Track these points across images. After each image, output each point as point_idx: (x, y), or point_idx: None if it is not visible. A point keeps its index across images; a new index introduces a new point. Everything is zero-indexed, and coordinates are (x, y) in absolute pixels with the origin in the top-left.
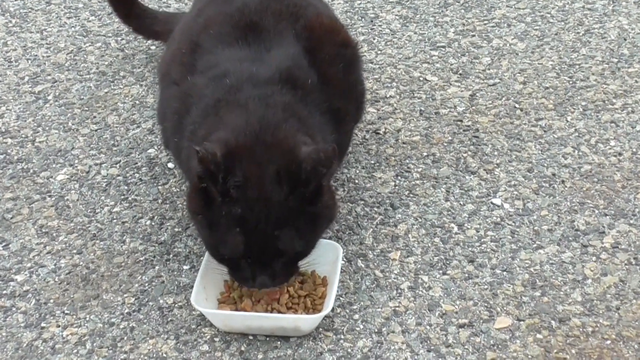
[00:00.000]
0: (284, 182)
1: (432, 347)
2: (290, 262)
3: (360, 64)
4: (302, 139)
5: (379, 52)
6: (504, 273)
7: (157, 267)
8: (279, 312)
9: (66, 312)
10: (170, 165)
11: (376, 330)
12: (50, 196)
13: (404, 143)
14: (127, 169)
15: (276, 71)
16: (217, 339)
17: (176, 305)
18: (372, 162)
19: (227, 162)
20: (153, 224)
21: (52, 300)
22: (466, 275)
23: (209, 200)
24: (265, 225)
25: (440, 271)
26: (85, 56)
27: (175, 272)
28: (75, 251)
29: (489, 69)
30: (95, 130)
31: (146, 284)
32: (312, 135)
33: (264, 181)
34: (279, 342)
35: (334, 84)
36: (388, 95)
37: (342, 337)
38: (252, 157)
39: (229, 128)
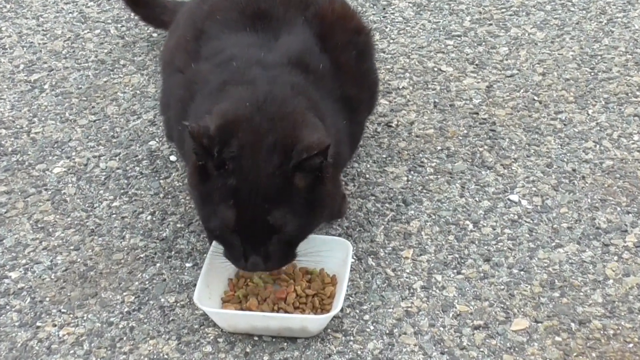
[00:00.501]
0: (279, 154)
1: (446, 350)
2: (284, 245)
3: (374, 51)
4: (311, 119)
5: (392, 41)
6: (522, 273)
7: (158, 265)
8: (286, 311)
9: (63, 310)
10: (172, 158)
11: (387, 332)
12: (46, 190)
13: (417, 136)
14: (127, 161)
15: (285, 56)
16: (220, 340)
17: (178, 304)
18: (384, 156)
19: (222, 134)
20: (154, 219)
21: (48, 299)
22: (482, 274)
23: (205, 175)
24: (256, 197)
25: (455, 270)
26: (83, 43)
27: (177, 270)
28: (72, 247)
29: (506, 60)
30: (94, 121)
31: (147, 282)
32: (322, 119)
33: (259, 150)
34: (285, 344)
35: (347, 71)
36: (401, 87)
37: (352, 338)
38: (250, 126)
39: (232, 100)
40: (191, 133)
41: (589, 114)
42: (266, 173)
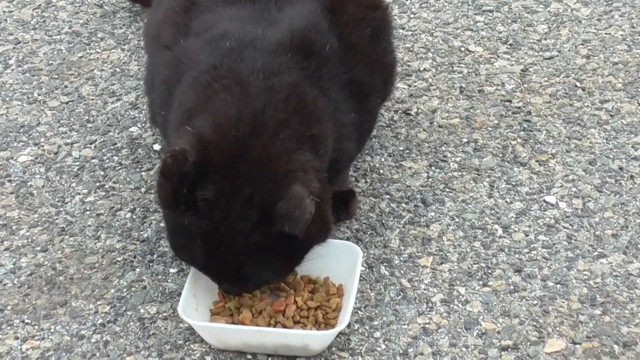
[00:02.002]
0: (256, 211)
1: None
2: (260, 283)
3: (391, 29)
4: (297, 160)
5: (412, 16)
6: (558, 286)
7: (137, 270)
8: (285, 326)
9: (27, 321)
10: (156, 147)
11: (401, 352)
12: (9, 181)
13: (439, 126)
14: (103, 150)
15: (287, 34)
16: (208, 358)
17: (160, 316)
18: (401, 148)
19: (199, 172)
20: (134, 217)
21: (9, 307)
22: (511, 287)
23: (176, 199)
24: (228, 250)
25: (480, 282)
26: (55, 12)
27: (160, 276)
28: (39, 248)
29: (545, 39)
30: (66, 103)
31: (124, 290)
32: (316, 138)
33: (236, 203)
34: None
35: (358, 51)
36: (422, 69)
37: (360, 358)
38: (231, 173)
39: (216, 116)
40: (163, 171)
41: (639, 104)
42: (241, 230)
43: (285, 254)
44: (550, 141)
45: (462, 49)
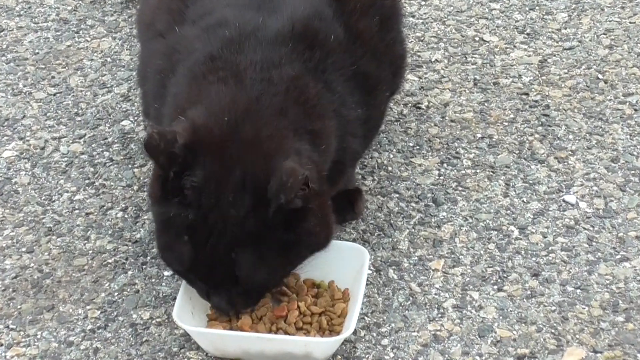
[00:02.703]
0: (249, 195)
1: None
2: (253, 290)
3: (401, 17)
4: (292, 146)
5: (423, 3)
6: (578, 291)
7: (130, 272)
8: (286, 333)
9: (11, 327)
10: None
11: None
12: None
13: (452, 121)
14: (93, 145)
15: (288, 22)
16: None
17: (153, 321)
18: (411, 144)
19: (188, 155)
20: (126, 216)
21: None
22: (528, 292)
23: (165, 193)
24: (218, 243)
25: (495, 286)
26: None
27: (154, 279)
28: (24, 249)
29: (565, 28)
30: (54, 95)
31: (115, 294)
32: (317, 133)
33: (225, 188)
34: None
35: (365, 41)
36: (433, 59)
37: None
38: (222, 155)
39: (210, 105)
40: (147, 145)
41: None
42: (234, 216)
43: (281, 249)
44: (570, 137)
45: (477, 38)
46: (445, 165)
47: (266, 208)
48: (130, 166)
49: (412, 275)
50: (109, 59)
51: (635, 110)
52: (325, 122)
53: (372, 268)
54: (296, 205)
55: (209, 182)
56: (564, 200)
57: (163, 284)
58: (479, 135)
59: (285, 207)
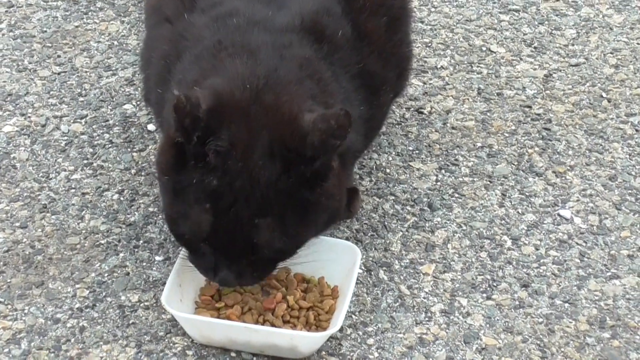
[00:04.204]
0: (279, 158)
1: None
2: (264, 262)
3: (409, 20)
4: (309, 106)
5: (433, 9)
6: (566, 305)
7: (121, 255)
8: (273, 325)
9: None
10: (150, 127)
11: None
12: None
13: (453, 128)
14: (94, 126)
15: (297, 16)
16: (190, 353)
17: (141, 304)
18: (411, 148)
19: (212, 120)
20: (122, 199)
21: None
22: (517, 302)
23: (181, 160)
24: (243, 209)
25: (484, 294)
26: None
27: (145, 263)
28: (18, 224)
29: (572, 45)
30: (58, 74)
31: (105, 275)
32: (329, 105)
33: (252, 153)
34: None
35: (373, 41)
36: (439, 66)
37: None
38: (244, 121)
39: (229, 74)
40: (176, 106)
41: None
42: (262, 182)
43: (301, 213)
44: (570, 152)
45: (484, 48)
46: (443, 171)
47: (297, 169)
48: (129, 150)
49: (402, 277)
50: (115, 42)
51: (637, 130)
52: (336, 101)
53: (363, 268)
54: (337, 142)
55: (235, 147)
56: (559, 215)
57: (154, 268)
58: (479, 144)
59: (330, 154)
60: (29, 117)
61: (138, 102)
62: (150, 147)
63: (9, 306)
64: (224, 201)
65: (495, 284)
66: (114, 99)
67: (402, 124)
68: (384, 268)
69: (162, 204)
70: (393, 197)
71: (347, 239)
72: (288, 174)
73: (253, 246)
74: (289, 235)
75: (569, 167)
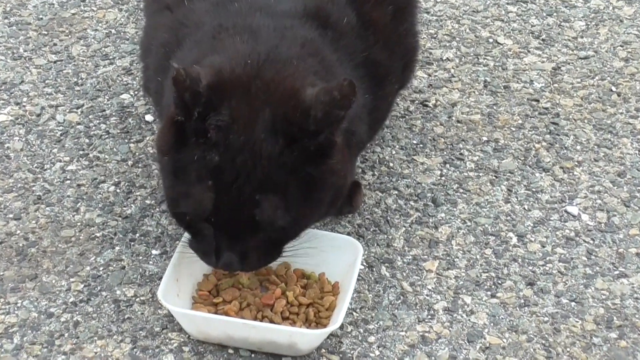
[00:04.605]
0: (281, 133)
1: None
2: (268, 242)
3: (416, 10)
4: (312, 81)
5: (439, 0)
6: (572, 304)
7: (117, 248)
8: (272, 321)
9: None
10: (148, 117)
11: None
12: None
13: (458, 122)
14: (90, 116)
15: (300, 3)
16: (186, 349)
17: (137, 299)
18: (415, 142)
19: (212, 95)
20: (118, 191)
21: None
22: (522, 301)
23: (181, 139)
24: (245, 184)
25: (489, 292)
26: None
27: (141, 257)
28: (11, 216)
29: (581, 37)
30: (54, 62)
31: (101, 268)
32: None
33: (254, 128)
34: None
35: (378, 30)
36: (445, 58)
37: None
38: (246, 96)
39: (229, 52)
40: (175, 79)
41: None
42: (265, 157)
43: (305, 190)
44: (578, 147)
45: (490, 40)
46: (447, 165)
47: (300, 144)
48: (126, 141)
49: (404, 274)
50: (113, 31)
51: None
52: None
53: (364, 264)
54: (339, 117)
55: (237, 122)
56: (566, 211)
57: (150, 262)
58: (484, 139)
59: (334, 126)
60: (24, 106)
61: (136, 92)
62: (147, 138)
63: (2, 299)
64: (226, 177)
65: (500, 282)
66: (111, 89)
67: (407, 117)
68: (386, 264)
69: (162, 186)
70: (396, 192)
71: (348, 234)
72: (291, 148)
73: (255, 224)
74: (293, 213)
75: (576, 163)
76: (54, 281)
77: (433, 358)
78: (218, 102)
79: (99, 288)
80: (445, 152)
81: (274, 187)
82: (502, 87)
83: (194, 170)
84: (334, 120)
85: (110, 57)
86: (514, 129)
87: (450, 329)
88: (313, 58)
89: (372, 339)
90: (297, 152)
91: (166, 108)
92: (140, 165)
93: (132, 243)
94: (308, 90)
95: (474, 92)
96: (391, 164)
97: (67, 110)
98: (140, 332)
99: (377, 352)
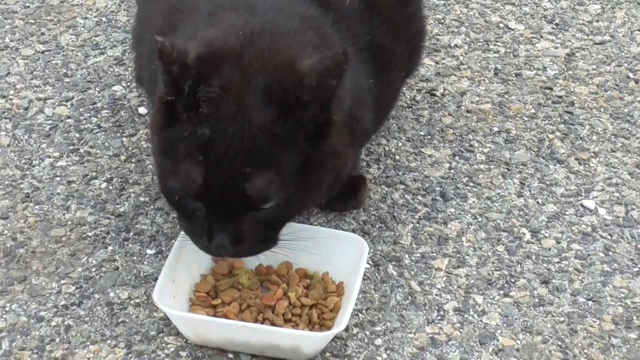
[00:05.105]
0: (274, 102)
1: None
2: (263, 224)
3: None
4: (309, 53)
5: None
6: (590, 303)
7: (110, 248)
8: (274, 324)
9: None
10: (141, 110)
11: None
12: None
13: (468, 111)
14: (81, 109)
15: None
16: (183, 353)
17: (132, 301)
18: (422, 133)
19: (202, 67)
20: (110, 188)
21: None
22: (536, 300)
23: (172, 117)
24: (235, 157)
25: (501, 291)
26: None
27: (135, 257)
28: None
29: (597, 21)
30: (42, 53)
31: (93, 269)
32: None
33: (245, 97)
34: None
35: (382, 12)
36: (453, 44)
37: None
38: (238, 64)
39: (222, 26)
40: (160, 52)
41: None
42: (256, 126)
43: (301, 168)
44: (594, 138)
45: (501, 25)
46: (457, 158)
47: (293, 115)
48: (118, 135)
49: (412, 272)
50: (104, 19)
51: None
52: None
53: (370, 262)
54: (325, 90)
55: (228, 92)
56: (582, 205)
57: (145, 262)
58: (495, 129)
59: (327, 96)
60: (11, 99)
61: (128, 83)
62: (141, 131)
63: None
64: (216, 150)
65: (513, 280)
66: (102, 80)
67: (413, 107)
68: (393, 263)
69: (154, 164)
70: (403, 186)
71: (353, 231)
72: (284, 119)
73: (247, 199)
74: (288, 190)
75: (592, 154)
76: (44, 283)
77: None
78: (209, 73)
79: (91, 290)
80: (454, 144)
81: (266, 161)
82: (513, 75)
83: (184, 147)
84: (327, 89)
85: (101, 46)
86: (526, 119)
87: (461, 330)
88: (313, 31)
89: (379, 341)
90: (290, 123)
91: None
92: (133, 160)
93: (126, 242)
94: (305, 60)
95: (484, 80)
96: (397, 157)
97: (56, 103)
98: (135, 336)
99: (385, 356)
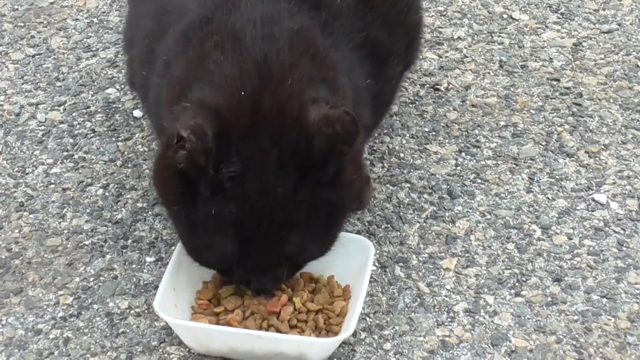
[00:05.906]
0: (291, 167)
1: None
2: (295, 266)
3: None
4: (310, 95)
5: None
6: (604, 300)
7: (108, 257)
8: (279, 331)
9: None
10: (136, 113)
11: None
12: None
13: (473, 106)
14: (74, 114)
15: None
16: None
17: (132, 311)
18: (426, 129)
19: (221, 145)
20: (107, 194)
21: None
22: (549, 299)
23: (191, 189)
24: (268, 226)
25: (513, 291)
26: None
27: (135, 265)
28: None
29: (603, 9)
30: (32, 56)
31: (91, 279)
32: (330, 82)
33: (266, 168)
34: None
35: (376, 6)
36: (456, 37)
37: None
38: (250, 134)
39: (215, 81)
40: (190, 152)
41: None
42: (282, 196)
43: (327, 213)
44: (604, 130)
45: (505, 15)
46: (463, 154)
47: (311, 176)
48: (113, 139)
49: (420, 274)
50: (95, 20)
51: None
52: (337, 71)
53: (377, 264)
54: (344, 152)
55: (248, 167)
56: (593, 199)
57: (144, 270)
58: (502, 123)
59: (339, 159)
60: (1, 105)
61: (122, 86)
62: (137, 135)
63: None
64: (250, 225)
65: (524, 279)
66: (95, 83)
67: (417, 102)
68: (400, 264)
69: (176, 232)
70: (408, 185)
71: (358, 232)
72: (304, 181)
73: (287, 257)
74: (320, 240)
75: (603, 146)
76: (40, 295)
77: None
78: (226, 150)
79: (89, 300)
80: (460, 140)
81: (297, 223)
82: (519, 67)
83: (213, 222)
84: (339, 155)
85: (93, 48)
86: (533, 112)
87: (472, 332)
88: (305, 57)
89: (387, 345)
90: (311, 184)
91: (153, 110)
92: (129, 165)
93: (124, 250)
94: (310, 114)
95: (488, 73)
96: (402, 155)
97: (49, 108)
98: (136, 347)
99: None
